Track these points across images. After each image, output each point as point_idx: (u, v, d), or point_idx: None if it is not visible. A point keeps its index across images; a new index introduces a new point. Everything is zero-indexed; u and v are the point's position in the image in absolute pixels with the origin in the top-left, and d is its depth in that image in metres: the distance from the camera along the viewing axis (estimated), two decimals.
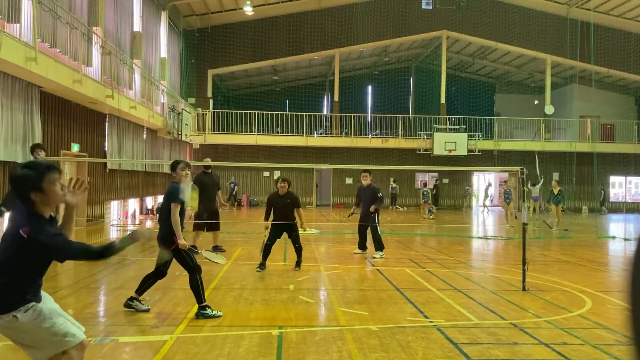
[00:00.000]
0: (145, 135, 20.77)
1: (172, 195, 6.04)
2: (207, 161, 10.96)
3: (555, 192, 17.92)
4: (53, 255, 3.22)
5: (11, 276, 3.16)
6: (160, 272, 6.27)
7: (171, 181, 6.30)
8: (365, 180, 11.00)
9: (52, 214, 3.37)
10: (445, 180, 31.10)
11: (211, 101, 29.76)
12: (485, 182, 30.55)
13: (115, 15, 17.45)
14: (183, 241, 5.88)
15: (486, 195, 28.23)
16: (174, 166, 6.26)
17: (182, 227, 5.98)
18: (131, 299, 6.11)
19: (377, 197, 10.76)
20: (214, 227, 10.82)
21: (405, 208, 29.10)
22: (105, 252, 3.29)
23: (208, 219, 10.55)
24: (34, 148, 8.75)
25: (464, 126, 28.69)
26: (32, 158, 8.66)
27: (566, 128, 31.19)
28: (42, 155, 8.52)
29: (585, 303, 6.87)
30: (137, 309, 6.09)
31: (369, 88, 34.88)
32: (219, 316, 5.87)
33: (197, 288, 5.86)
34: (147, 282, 6.23)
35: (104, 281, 8.06)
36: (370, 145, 29.23)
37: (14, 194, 3.29)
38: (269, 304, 6.62)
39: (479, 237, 15.47)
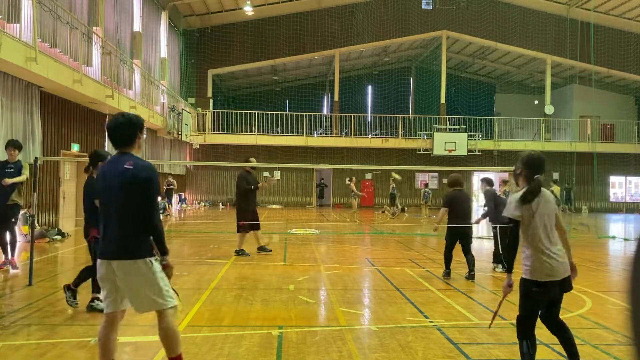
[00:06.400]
0: (145, 135, 20.78)
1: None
2: (253, 161, 10.95)
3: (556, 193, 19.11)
4: (149, 190, 3.77)
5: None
6: None
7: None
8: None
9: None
10: (445, 181, 31.05)
11: (211, 101, 29.76)
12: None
13: (115, 15, 17.45)
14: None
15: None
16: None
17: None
18: None
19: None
20: (256, 227, 10.79)
21: (406, 208, 29.07)
22: (163, 247, 3.75)
23: (251, 219, 10.61)
24: (9, 145, 8.46)
25: (464, 126, 28.70)
26: (5, 153, 8.50)
27: (566, 128, 31.20)
28: (14, 153, 8.34)
29: (585, 303, 6.86)
30: None
31: (369, 88, 34.88)
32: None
33: None
34: None
35: None
36: (370, 145, 29.23)
37: (121, 137, 4.05)
38: (269, 304, 6.62)
39: (479, 237, 15.45)
